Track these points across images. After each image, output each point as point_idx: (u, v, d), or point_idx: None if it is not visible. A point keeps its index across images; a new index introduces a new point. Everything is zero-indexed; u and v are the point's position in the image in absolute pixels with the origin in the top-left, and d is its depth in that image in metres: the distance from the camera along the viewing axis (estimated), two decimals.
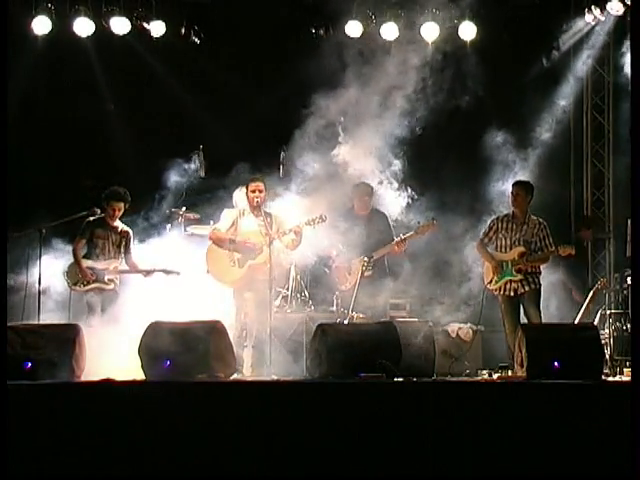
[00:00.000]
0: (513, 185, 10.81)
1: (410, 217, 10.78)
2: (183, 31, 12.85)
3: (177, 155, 11.93)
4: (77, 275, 10.45)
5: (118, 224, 10.72)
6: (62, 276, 10.44)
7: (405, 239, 10.43)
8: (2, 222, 6.97)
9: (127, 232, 10.78)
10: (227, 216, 10.34)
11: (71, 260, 10.52)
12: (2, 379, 6.73)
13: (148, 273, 10.65)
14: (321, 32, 12.93)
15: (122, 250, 10.67)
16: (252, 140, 11.76)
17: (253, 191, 10.12)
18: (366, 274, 10.19)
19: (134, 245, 10.84)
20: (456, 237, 11.30)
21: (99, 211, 10.58)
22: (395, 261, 10.67)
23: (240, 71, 12.95)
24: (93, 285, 10.44)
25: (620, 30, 12.80)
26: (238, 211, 10.35)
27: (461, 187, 11.96)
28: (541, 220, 10.64)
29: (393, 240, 10.54)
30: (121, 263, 10.63)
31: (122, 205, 10.61)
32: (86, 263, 10.47)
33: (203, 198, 11.90)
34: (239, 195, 11.01)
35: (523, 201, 10.61)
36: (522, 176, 11.40)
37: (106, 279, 10.48)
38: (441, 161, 12.30)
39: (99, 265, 10.49)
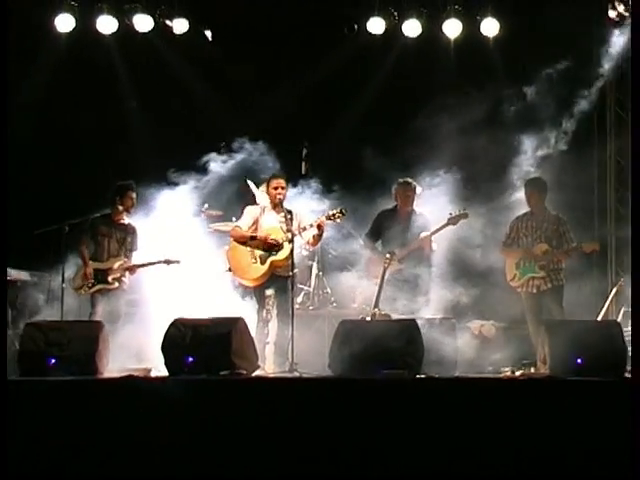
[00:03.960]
0: (525, 185, 10.80)
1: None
2: (196, 27, 12.90)
3: (198, 151, 11.95)
4: (81, 279, 10.41)
5: (125, 220, 10.71)
6: (67, 282, 10.37)
7: (438, 230, 10.38)
8: (2, 222, 6.73)
9: (133, 228, 10.76)
10: (248, 213, 10.33)
11: (77, 264, 10.47)
12: (2, 379, 6.64)
13: (150, 265, 10.67)
14: (346, 30, 12.95)
15: (127, 247, 10.65)
16: (272, 137, 11.74)
17: (275, 188, 10.09)
18: (399, 268, 10.17)
19: (139, 241, 10.80)
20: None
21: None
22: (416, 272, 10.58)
23: (260, 68, 12.94)
24: (97, 287, 10.40)
25: None
26: (259, 208, 10.33)
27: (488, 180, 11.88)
28: (560, 216, 10.65)
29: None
30: (126, 261, 10.60)
31: (134, 195, 10.64)
32: (93, 265, 10.45)
33: (224, 194, 11.93)
34: (260, 192, 11.06)
35: (538, 199, 10.63)
36: (546, 172, 11.33)
37: (110, 279, 10.43)
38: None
39: (103, 266, 10.46)
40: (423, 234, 10.44)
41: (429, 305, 10.31)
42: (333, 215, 9.83)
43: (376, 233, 10.74)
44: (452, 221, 10.44)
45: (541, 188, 10.69)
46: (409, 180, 10.83)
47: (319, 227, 9.86)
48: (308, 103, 12.55)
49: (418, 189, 10.80)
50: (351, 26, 12.91)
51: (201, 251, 11.33)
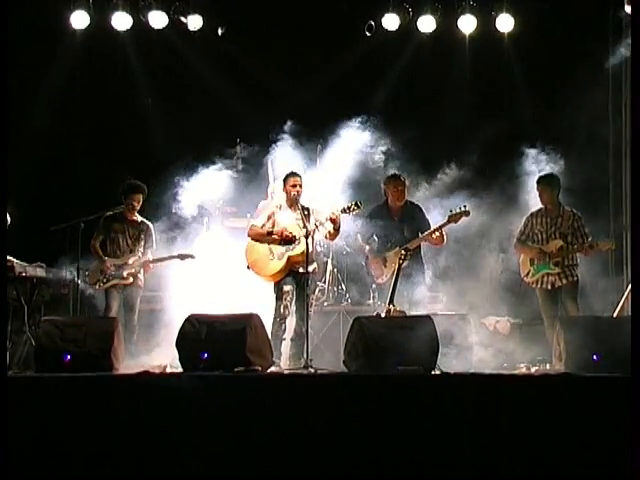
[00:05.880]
0: (537, 182, 10.71)
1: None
2: (210, 23, 12.91)
3: (214, 148, 11.96)
4: (96, 275, 10.41)
5: (137, 217, 10.70)
6: (82, 278, 10.39)
7: (440, 228, 10.34)
8: (2, 222, 6.69)
9: (147, 225, 10.76)
10: (264, 211, 10.34)
11: (91, 261, 10.48)
12: (2, 377, 6.59)
13: (165, 260, 10.71)
14: (366, 31, 12.96)
15: (141, 243, 10.64)
16: (286, 133, 11.76)
17: (293, 185, 10.05)
18: (402, 265, 10.12)
19: (155, 240, 10.81)
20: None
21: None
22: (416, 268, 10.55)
23: (276, 64, 12.93)
24: (112, 282, 10.40)
25: None
26: (275, 205, 10.33)
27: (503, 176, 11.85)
28: (575, 211, 10.58)
29: (429, 230, 10.46)
30: (140, 257, 10.60)
31: (140, 197, 10.61)
32: (108, 261, 10.46)
33: (239, 191, 11.94)
34: (275, 188, 11.06)
35: (551, 195, 10.55)
36: (562, 168, 11.29)
37: (124, 274, 10.43)
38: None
39: (117, 261, 10.47)
40: (426, 232, 10.38)
41: (441, 300, 10.30)
42: (348, 208, 9.79)
43: (369, 231, 10.64)
44: (453, 219, 10.37)
45: (553, 184, 10.61)
46: (397, 173, 10.77)
47: (334, 221, 9.82)
48: (325, 98, 12.51)
49: (407, 182, 10.74)
50: (370, 26, 12.91)
51: (218, 247, 11.39)
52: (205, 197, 11.86)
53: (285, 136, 11.45)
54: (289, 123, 11.59)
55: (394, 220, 10.56)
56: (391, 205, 10.63)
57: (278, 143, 11.45)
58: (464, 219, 10.43)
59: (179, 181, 11.48)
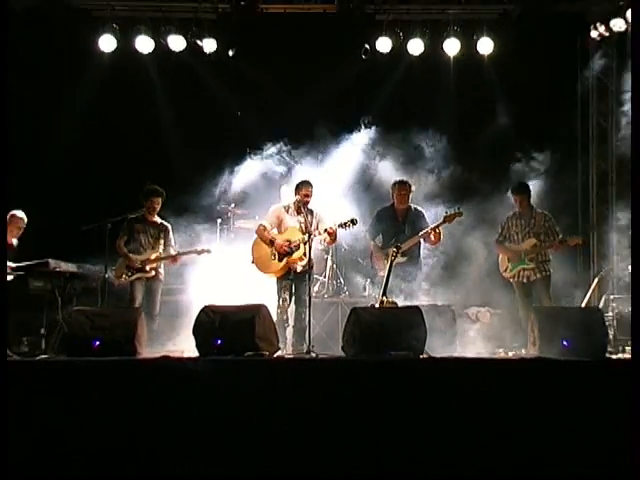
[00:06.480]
0: (512, 192, 10.76)
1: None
2: (223, 45, 12.92)
3: (226, 157, 11.97)
4: (121, 269, 10.39)
5: (157, 219, 10.70)
6: (109, 272, 10.34)
7: (434, 229, 10.30)
8: (2, 222, 6.45)
9: (165, 226, 10.75)
10: (273, 212, 10.32)
11: (116, 259, 10.45)
12: (2, 373, 6.52)
13: (184, 255, 10.69)
14: (362, 55, 12.96)
15: (161, 242, 10.61)
16: (295, 143, 11.78)
17: (305, 195, 10.11)
18: (400, 261, 10.10)
19: (173, 239, 10.80)
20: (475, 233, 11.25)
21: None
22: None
23: (282, 83, 12.90)
24: (136, 275, 10.39)
25: (622, 44, 12.71)
26: (283, 207, 10.33)
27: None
28: (546, 213, 10.65)
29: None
30: (161, 253, 10.57)
31: (159, 200, 10.61)
32: (132, 257, 10.45)
33: (250, 195, 11.94)
34: (286, 191, 11.08)
35: (524, 200, 10.63)
36: (537, 177, 11.32)
37: (147, 268, 10.42)
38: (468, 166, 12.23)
39: (140, 257, 10.45)
40: (422, 232, 10.34)
41: (429, 294, 10.28)
42: (345, 224, 9.82)
43: (375, 230, 10.66)
44: (447, 219, 10.35)
45: (526, 191, 10.69)
46: (404, 179, 10.74)
47: (330, 234, 9.89)
48: (325, 111, 12.48)
49: (413, 187, 10.72)
50: (366, 49, 12.90)
51: (230, 245, 11.40)
52: (218, 200, 11.89)
53: (289, 146, 11.52)
54: (293, 133, 11.66)
55: (398, 221, 10.53)
56: (396, 207, 10.60)
57: (282, 153, 11.51)
58: (458, 219, 10.43)
59: (195, 185, 11.50)
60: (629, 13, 11.89)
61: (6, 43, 6.80)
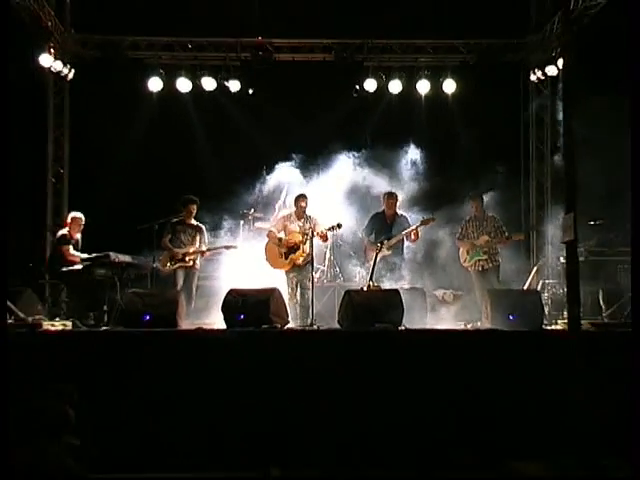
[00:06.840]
0: (469, 199, 10.73)
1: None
2: (245, 85, 12.90)
3: (247, 175, 11.99)
4: (166, 260, 10.35)
5: (193, 222, 10.65)
6: (157, 262, 10.28)
7: (414, 229, 10.25)
8: (2, 222, 5.82)
9: (200, 227, 10.70)
10: (280, 220, 10.45)
11: (161, 252, 10.41)
12: (2, 373, 5.60)
13: (215, 250, 10.71)
14: (354, 94, 12.98)
15: (197, 240, 10.55)
16: (302, 162, 11.80)
17: (302, 205, 10.23)
18: (385, 254, 10.09)
19: (207, 237, 10.76)
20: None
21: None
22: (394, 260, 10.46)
23: (292, 114, 12.84)
24: (177, 265, 10.35)
25: (555, 85, 12.75)
26: (288, 214, 10.43)
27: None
28: (495, 216, 10.65)
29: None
30: (197, 248, 10.52)
31: (195, 206, 10.58)
32: (174, 250, 10.41)
33: (266, 203, 11.96)
34: (286, 200, 11.25)
35: (478, 206, 10.62)
36: (490, 188, 11.28)
37: (187, 259, 10.39)
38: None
39: (181, 251, 10.41)
40: (405, 231, 10.32)
41: (406, 279, 10.25)
42: (332, 227, 9.87)
43: (370, 229, 10.63)
44: (424, 223, 10.33)
45: (480, 199, 10.69)
46: (392, 191, 10.73)
47: (321, 236, 9.96)
48: (326, 136, 12.42)
49: (399, 197, 10.70)
50: (356, 89, 12.92)
51: (250, 242, 11.37)
52: (241, 207, 11.88)
53: (295, 164, 11.53)
54: (299, 154, 11.67)
55: (387, 223, 10.48)
56: (386, 212, 10.57)
57: (291, 169, 11.51)
58: (432, 223, 10.42)
59: (223, 194, 11.52)
60: (560, 61, 11.87)
61: (6, 43, 6.11)
